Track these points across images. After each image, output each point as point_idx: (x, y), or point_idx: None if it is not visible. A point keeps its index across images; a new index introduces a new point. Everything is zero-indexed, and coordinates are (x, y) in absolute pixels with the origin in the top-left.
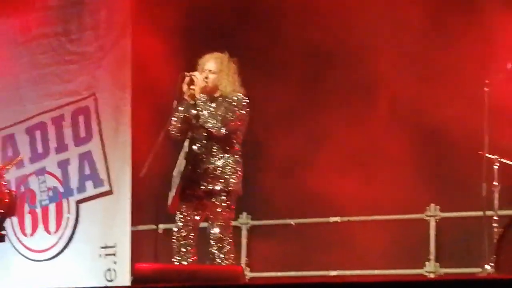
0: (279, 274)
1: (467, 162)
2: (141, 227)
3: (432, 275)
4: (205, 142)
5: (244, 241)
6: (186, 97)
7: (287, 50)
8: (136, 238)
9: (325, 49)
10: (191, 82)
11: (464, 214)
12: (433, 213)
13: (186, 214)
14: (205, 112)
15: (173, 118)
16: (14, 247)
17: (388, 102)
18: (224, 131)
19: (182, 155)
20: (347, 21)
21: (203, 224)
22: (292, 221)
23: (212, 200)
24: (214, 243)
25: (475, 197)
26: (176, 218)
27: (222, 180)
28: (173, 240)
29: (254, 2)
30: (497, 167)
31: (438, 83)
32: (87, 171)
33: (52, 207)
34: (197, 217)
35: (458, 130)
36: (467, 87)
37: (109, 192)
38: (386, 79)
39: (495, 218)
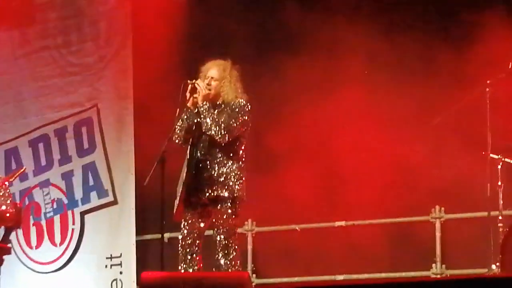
0: (285, 280)
1: (470, 162)
2: (147, 237)
3: (439, 277)
4: (208, 149)
5: (249, 247)
6: (189, 105)
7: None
8: (142, 248)
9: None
10: (194, 90)
11: (469, 215)
12: (438, 215)
13: (191, 221)
14: (208, 120)
15: (176, 127)
16: (20, 260)
17: (390, 103)
18: (227, 137)
19: (185, 163)
20: None
21: (208, 232)
22: (297, 227)
23: (217, 207)
24: (219, 250)
25: (479, 197)
26: (181, 225)
27: (227, 187)
28: (178, 248)
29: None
30: (500, 167)
31: (440, 82)
32: (91, 182)
33: (57, 219)
34: (202, 224)
35: (460, 130)
36: (469, 86)
37: (114, 202)
38: (384, 82)
39: (500, 218)
